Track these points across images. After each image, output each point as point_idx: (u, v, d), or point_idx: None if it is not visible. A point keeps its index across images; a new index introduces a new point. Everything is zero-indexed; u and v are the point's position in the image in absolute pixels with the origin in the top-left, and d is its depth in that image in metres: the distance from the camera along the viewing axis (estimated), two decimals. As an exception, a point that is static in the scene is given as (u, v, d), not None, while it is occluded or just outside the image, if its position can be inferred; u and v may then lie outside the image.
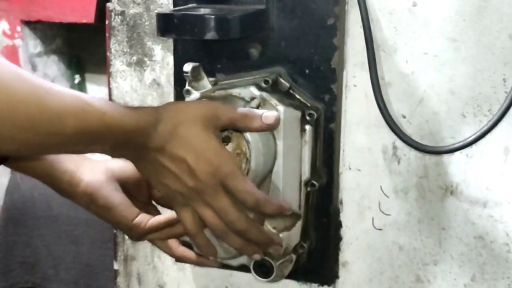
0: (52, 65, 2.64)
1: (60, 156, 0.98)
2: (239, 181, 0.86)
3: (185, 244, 1.01)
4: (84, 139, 0.79)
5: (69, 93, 0.78)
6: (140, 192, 1.03)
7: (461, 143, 0.90)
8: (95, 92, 2.71)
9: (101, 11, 1.11)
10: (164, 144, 0.84)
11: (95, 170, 0.99)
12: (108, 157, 0.90)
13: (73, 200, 1.00)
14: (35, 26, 2.50)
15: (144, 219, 0.98)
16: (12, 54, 2.48)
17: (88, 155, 0.93)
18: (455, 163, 0.96)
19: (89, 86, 2.72)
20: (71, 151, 0.86)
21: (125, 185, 1.00)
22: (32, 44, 2.53)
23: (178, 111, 0.86)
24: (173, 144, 0.84)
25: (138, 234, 0.99)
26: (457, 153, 0.95)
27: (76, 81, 2.66)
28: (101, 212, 0.99)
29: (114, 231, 1.17)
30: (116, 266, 1.19)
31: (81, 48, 2.65)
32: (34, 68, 2.56)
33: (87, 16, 2.25)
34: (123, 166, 1.01)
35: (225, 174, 0.85)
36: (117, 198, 0.98)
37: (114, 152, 0.86)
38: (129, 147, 0.84)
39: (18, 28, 2.46)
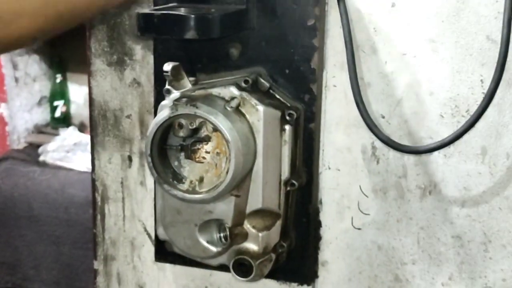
0: (34, 65, 2.63)
1: None
2: None
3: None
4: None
5: None
6: None
7: (438, 143, 0.90)
8: (76, 92, 2.70)
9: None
10: None
11: None
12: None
13: None
14: (16, 25, 2.49)
15: None
16: (-8, 53, 2.47)
17: None
18: (433, 163, 0.96)
19: (71, 85, 2.71)
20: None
21: None
22: (13, 43, 2.52)
23: None
24: None
25: None
26: (435, 153, 0.96)
27: (58, 80, 2.66)
28: None
29: (94, 231, 1.17)
30: (96, 265, 1.19)
31: (63, 47, 2.64)
32: (15, 67, 2.55)
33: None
34: None
35: None
36: None
37: None
38: None
39: (-1, 27, 2.45)
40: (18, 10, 0.78)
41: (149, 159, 0.92)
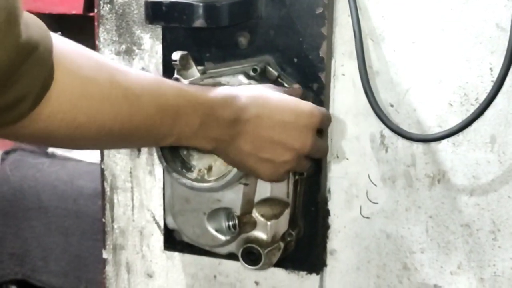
0: (42, 57, 2.64)
1: None
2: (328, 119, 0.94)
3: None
4: (167, 116, 0.75)
5: (142, 72, 0.77)
6: None
7: (447, 132, 0.90)
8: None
9: (90, 2, 1.10)
10: (258, 113, 0.81)
11: None
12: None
13: None
14: (24, 17, 2.49)
15: None
16: (1, 45, 2.48)
17: None
18: (442, 151, 0.96)
19: (79, 77, 2.71)
20: (160, 133, 0.78)
21: None
22: (21, 35, 2.52)
23: (250, 86, 0.87)
24: (269, 109, 0.82)
25: None
26: (444, 141, 0.95)
27: (66, 72, 2.66)
28: None
29: (103, 220, 1.17)
30: (105, 255, 1.19)
31: (71, 39, 2.65)
32: (23, 59, 2.56)
33: (77, 7, 2.25)
34: None
35: (320, 119, 0.88)
36: None
37: (205, 131, 0.79)
38: (220, 122, 0.79)
39: (7, 19, 2.46)
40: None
41: (158, 148, 0.93)
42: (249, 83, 0.94)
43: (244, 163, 0.85)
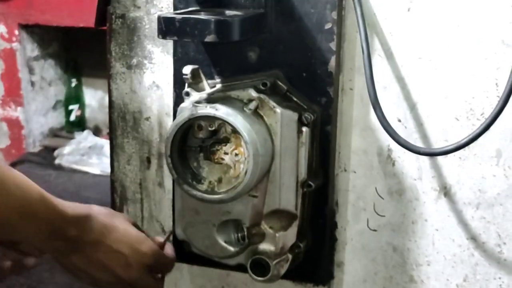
0: (49, 69, 2.66)
1: None
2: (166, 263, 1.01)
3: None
4: (25, 219, 0.84)
5: (18, 173, 0.84)
6: None
7: (454, 146, 0.91)
8: (91, 96, 2.73)
9: (99, 15, 1.12)
10: (100, 239, 0.93)
11: None
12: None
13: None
14: (33, 29, 2.52)
15: None
16: (9, 58, 2.50)
17: None
18: (448, 165, 0.98)
19: (86, 89, 2.73)
20: (10, 227, 0.86)
21: None
22: (29, 48, 2.55)
23: (109, 210, 0.97)
24: (110, 238, 0.93)
25: None
26: (451, 155, 0.97)
27: (73, 84, 2.68)
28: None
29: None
30: (113, 266, 1.20)
31: (78, 52, 2.67)
32: (31, 71, 2.58)
33: (85, 20, 2.27)
34: None
35: (151, 264, 0.97)
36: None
37: (49, 240, 0.89)
38: (65, 237, 0.89)
39: (16, 32, 2.48)
40: None
41: (169, 160, 0.94)
42: (259, 97, 0.96)
43: (76, 275, 0.96)
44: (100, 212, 0.94)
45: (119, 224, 0.95)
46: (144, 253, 0.96)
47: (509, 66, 0.88)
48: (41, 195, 0.86)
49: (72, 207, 0.90)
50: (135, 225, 1.00)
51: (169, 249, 1.03)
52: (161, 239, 1.03)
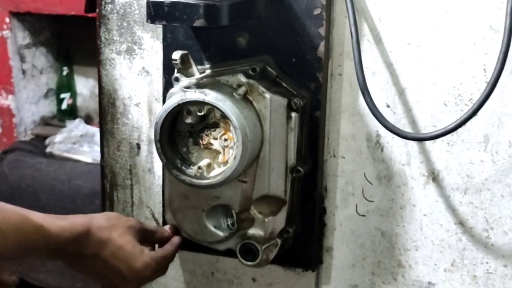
0: (41, 57, 2.65)
1: None
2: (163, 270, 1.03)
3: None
4: (24, 249, 0.88)
5: (10, 208, 0.87)
6: None
7: (442, 131, 0.92)
8: (82, 84, 2.72)
9: (89, 1, 1.12)
10: (97, 252, 0.95)
11: None
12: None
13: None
14: (24, 17, 2.50)
15: None
16: (0, 46, 2.49)
17: None
18: (437, 151, 0.98)
19: (77, 78, 2.72)
20: (9, 258, 0.92)
21: None
22: (20, 36, 2.53)
23: (110, 220, 0.98)
24: (106, 253, 0.95)
25: None
26: (439, 141, 0.97)
27: (64, 73, 2.67)
28: None
29: (103, 217, 1.19)
30: (104, 252, 1.21)
31: (70, 40, 2.65)
32: (22, 59, 2.57)
33: (77, 7, 2.26)
34: None
35: (147, 277, 1.00)
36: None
37: (50, 258, 0.98)
38: (64, 254, 0.93)
39: (7, 20, 2.47)
40: None
41: (158, 145, 0.94)
42: (248, 82, 0.96)
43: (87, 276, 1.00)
44: (99, 225, 0.96)
45: (116, 238, 0.96)
46: (138, 270, 0.97)
47: (497, 52, 0.88)
48: (36, 227, 0.88)
49: (70, 227, 0.92)
50: (138, 230, 1.00)
51: (175, 241, 1.04)
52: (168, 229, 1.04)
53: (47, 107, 2.73)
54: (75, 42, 2.66)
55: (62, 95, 2.70)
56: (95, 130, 2.46)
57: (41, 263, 2.27)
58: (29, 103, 2.63)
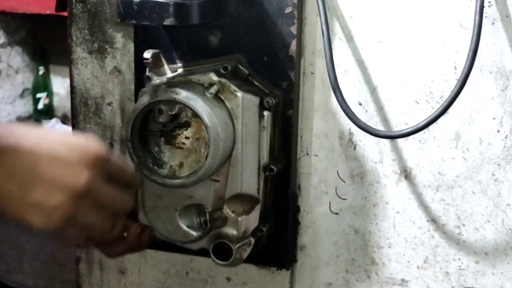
0: (16, 56, 2.63)
1: None
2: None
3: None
4: None
5: None
6: None
7: (413, 128, 0.92)
8: (59, 84, 2.70)
9: (61, 1, 1.11)
10: (17, 142, 0.71)
11: None
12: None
13: None
14: (-1, 16, 2.48)
15: None
16: (-25, 45, 2.47)
17: None
18: (408, 148, 0.99)
19: (53, 77, 2.71)
20: None
21: None
22: (-5, 35, 2.52)
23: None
24: (31, 142, 0.71)
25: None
26: (411, 138, 0.98)
27: (41, 72, 2.65)
28: None
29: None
30: (78, 252, 1.20)
31: (45, 39, 2.64)
32: (-3, 59, 2.55)
33: (51, 6, 2.25)
34: None
35: (97, 157, 0.76)
36: None
37: None
38: None
39: (-19, 19, 2.45)
40: None
41: (129, 144, 0.94)
42: (219, 81, 0.95)
43: (9, 208, 0.70)
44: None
45: (39, 129, 0.73)
46: (84, 148, 0.73)
47: (467, 49, 0.89)
48: None
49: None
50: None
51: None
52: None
53: (23, 107, 2.71)
54: (51, 42, 2.64)
55: (38, 95, 2.69)
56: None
57: (18, 264, 2.26)
58: (5, 103, 2.62)
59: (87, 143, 0.76)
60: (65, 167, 0.71)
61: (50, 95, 2.70)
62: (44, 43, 2.66)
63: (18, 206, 0.70)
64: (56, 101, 2.73)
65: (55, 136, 0.73)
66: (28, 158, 0.69)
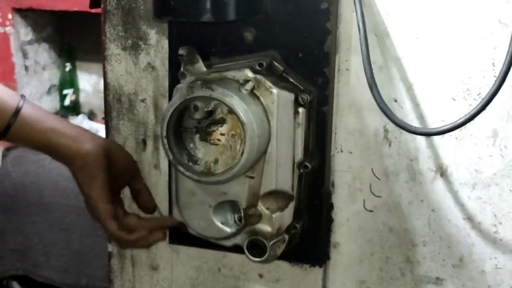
0: (43, 53, 2.64)
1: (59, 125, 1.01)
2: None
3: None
4: None
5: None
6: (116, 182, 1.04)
7: (450, 126, 0.91)
8: (85, 80, 2.72)
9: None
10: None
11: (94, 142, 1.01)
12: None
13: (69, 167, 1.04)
14: (26, 13, 2.49)
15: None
16: (3, 42, 2.48)
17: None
18: (445, 145, 0.98)
19: (80, 74, 2.72)
20: None
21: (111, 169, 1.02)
22: (23, 32, 2.53)
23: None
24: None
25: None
26: (447, 136, 0.97)
27: (67, 69, 2.66)
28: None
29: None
30: (110, 248, 1.21)
31: (72, 36, 2.65)
32: (25, 55, 2.56)
33: (79, 3, 2.25)
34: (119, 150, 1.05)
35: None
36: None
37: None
38: None
39: (10, 16, 2.46)
40: None
41: (165, 141, 0.94)
42: (255, 78, 0.95)
43: None
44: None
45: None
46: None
47: (506, 46, 0.87)
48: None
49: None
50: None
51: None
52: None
53: (50, 103, 2.72)
54: (77, 38, 2.65)
55: (65, 91, 2.70)
56: (99, 126, 2.46)
57: (45, 259, 2.28)
58: (32, 99, 2.63)
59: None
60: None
61: (76, 91, 2.71)
62: (71, 40, 2.67)
63: None
64: (82, 98, 2.74)
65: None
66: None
